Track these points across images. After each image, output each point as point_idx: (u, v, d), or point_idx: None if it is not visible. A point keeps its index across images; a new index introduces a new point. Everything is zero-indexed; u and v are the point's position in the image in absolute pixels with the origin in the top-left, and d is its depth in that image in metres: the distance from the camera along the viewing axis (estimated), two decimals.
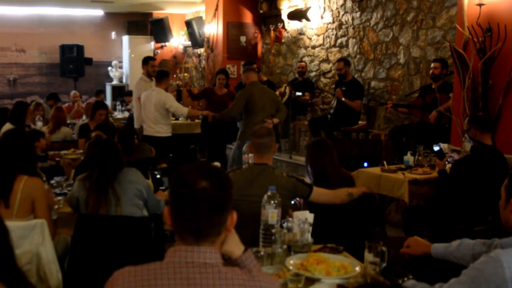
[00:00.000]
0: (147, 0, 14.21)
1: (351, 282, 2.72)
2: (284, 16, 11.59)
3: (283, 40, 12.07)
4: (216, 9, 12.85)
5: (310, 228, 3.29)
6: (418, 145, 6.46)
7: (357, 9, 9.87)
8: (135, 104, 9.68)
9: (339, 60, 9.32)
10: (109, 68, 16.19)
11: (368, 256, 2.82)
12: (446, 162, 5.81)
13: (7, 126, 7.40)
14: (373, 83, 9.57)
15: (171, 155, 8.72)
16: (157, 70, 9.24)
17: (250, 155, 4.59)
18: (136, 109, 9.61)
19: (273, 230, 3.16)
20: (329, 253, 3.16)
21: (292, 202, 4.42)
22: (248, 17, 12.81)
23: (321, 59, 10.86)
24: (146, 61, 9.87)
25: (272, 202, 3.22)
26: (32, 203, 4.01)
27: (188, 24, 14.07)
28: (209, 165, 2.12)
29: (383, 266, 2.81)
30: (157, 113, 8.58)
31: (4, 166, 4.01)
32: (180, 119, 11.12)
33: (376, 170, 6.19)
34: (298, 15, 11.07)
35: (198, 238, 2.00)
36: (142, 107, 8.83)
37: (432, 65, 7.59)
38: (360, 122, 9.18)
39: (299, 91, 10.04)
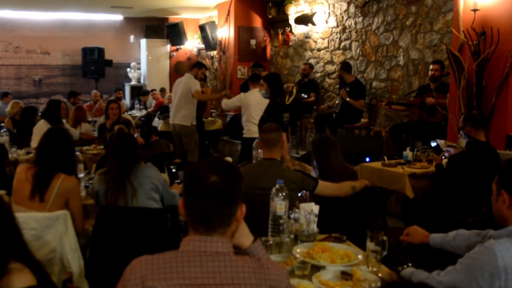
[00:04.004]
0: (163, 6, 14.22)
1: (354, 269, 2.72)
2: (291, 21, 11.59)
3: (290, 43, 12.06)
4: (228, 14, 12.86)
5: (316, 219, 3.29)
6: (417, 141, 6.43)
7: (359, 14, 9.84)
8: (186, 99, 9.01)
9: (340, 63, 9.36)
10: (128, 69, 16.22)
11: (370, 245, 2.81)
12: (443, 157, 5.80)
13: (43, 123, 7.41)
14: (374, 83, 9.54)
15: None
16: (252, 73, 8.92)
17: (259, 150, 4.60)
18: (191, 105, 9.02)
19: (281, 221, 3.16)
20: (333, 242, 3.16)
21: (299, 194, 4.42)
22: (257, 21, 12.80)
23: (326, 61, 10.84)
24: (200, 66, 9.30)
25: (280, 194, 3.22)
26: (66, 200, 4.02)
27: (202, 28, 14.06)
28: (220, 160, 2.11)
29: (384, 254, 2.81)
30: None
31: (45, 163, 4.01)
32: None
33: (378, 164, 6.17)
34: (304, 19, 11.07)
35: (209, 229, 2.00)
36: (253, 110, 7.84)
37: (431, 67, 7.56)
38: (362, 119, 9.17)
39: (305, 92, 10.02)
